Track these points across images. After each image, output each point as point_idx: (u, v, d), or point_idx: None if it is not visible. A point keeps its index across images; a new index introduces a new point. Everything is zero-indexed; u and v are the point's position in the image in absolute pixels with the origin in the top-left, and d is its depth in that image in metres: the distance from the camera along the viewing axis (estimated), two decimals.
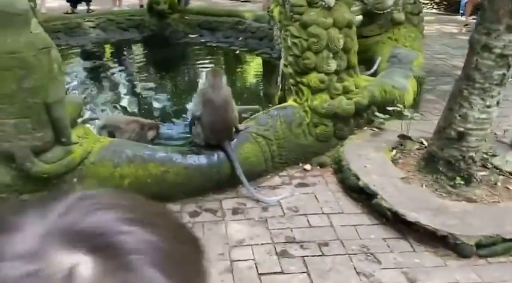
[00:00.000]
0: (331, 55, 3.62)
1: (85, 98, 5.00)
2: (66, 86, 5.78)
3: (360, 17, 4.95)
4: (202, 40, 7.93)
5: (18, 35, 2.55)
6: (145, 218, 0.36)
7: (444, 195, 3.06)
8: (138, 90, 5.93)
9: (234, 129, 3.31)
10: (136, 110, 5.04)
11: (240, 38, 7.79)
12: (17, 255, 0.31)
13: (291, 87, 3.78)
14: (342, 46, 3.63)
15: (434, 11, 11.76)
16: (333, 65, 3.62)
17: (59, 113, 2.72)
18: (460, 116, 3.02)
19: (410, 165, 3.42)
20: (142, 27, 8.04)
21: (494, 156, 3.48)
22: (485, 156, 3.39)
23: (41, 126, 2.70)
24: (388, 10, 5.68)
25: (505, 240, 2.64)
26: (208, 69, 3.70)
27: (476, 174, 3.17)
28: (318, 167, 3.62)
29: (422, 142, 3.65)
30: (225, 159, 3.21)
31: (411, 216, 2.75)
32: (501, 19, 2.67)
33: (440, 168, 3.18)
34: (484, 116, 2.96)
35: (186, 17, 8.08)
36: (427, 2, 11.77)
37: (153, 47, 7.81)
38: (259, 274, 2.47)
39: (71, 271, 0.30)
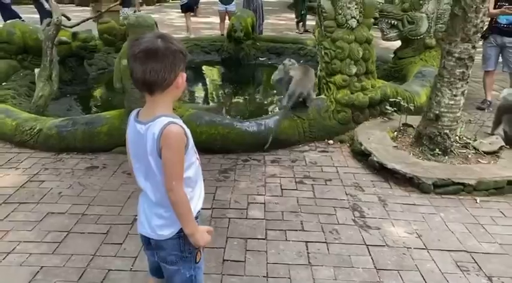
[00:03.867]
0: (352, 62, 4.99)
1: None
2: None
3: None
4: (269, 62, 9.58)
5: None
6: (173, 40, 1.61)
7: (424, 160, 4.25)
8: (215, 97, 7.65)
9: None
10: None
11: (302, 61, 9.34)
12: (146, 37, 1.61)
13: (323, 85, 5.18)
14: (361, 56, 4.99)
15: None
16: (353, 70, 4.99)
17: None
18: (435, 102, 4.23)
19: (405, 142, 4.64)
20: (221, 51, 9.86)
21: (475, 140, 4.59)
22: (468, 140, 4.53)
23: None
24: (421, 36, 6.93)
25: (454, 183, 3.79)
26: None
27: (452, 148, 4.32)
28: (339, 143, 4.94)
29: None
30: (270, 129, 4.65)
31: (390, 165, 4.01)
32: (458, 33, 3.92)
33: (424, 142, 4.37)
34: (452, 102, 4.16)
35: (258, 43, 9.79)
36: None
37: (228, 66, 9.57)
38: (281, 189, 3.87)
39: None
